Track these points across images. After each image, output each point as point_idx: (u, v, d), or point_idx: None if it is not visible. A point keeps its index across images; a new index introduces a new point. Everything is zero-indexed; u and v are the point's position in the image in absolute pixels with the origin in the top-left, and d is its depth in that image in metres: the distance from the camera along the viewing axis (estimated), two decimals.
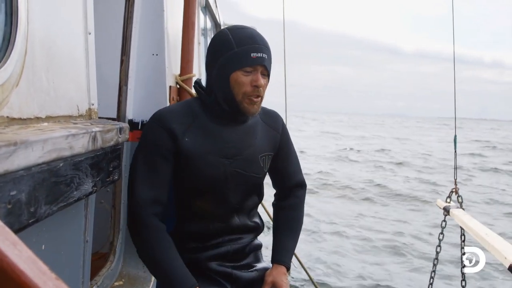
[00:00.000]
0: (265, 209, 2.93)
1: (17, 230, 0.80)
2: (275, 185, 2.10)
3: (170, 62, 2.57)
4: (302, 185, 2.10)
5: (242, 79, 1.73)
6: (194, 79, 2.73)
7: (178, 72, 2.77)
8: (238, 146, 1.83)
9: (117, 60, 2.46)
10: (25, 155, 0.77)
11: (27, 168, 0.81)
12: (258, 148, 1.89)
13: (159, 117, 1.77)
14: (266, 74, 1.78)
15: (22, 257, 0.62)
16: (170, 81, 2.59)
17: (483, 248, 2.68)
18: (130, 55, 2.39)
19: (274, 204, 2.12)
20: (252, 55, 1.72)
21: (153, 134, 1.75)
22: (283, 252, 1.99)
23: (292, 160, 2.06)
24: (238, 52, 1.72)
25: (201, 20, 4.07)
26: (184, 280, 1.69)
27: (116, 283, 2.47)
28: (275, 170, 2.03)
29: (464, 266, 3.24)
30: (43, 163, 0.86)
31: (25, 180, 0.80)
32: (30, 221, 0.84)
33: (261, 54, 1.73)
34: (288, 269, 1.97)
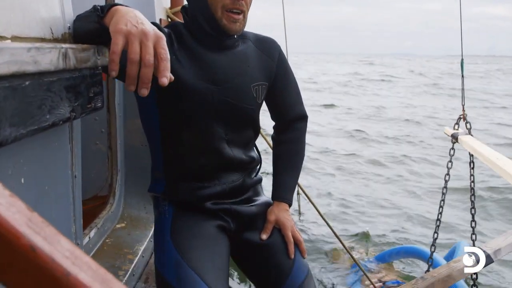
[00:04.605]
0: (266, 141, 2.84)
1: None
2: (273, 117, 1.98)
3: None
4: (302, 117, 1.97)
5: None
6: None
7: (169, 5, 2.64)
8: (227, 72, 1.69)
9: None
10: None
11: None
12: (250, 77, 1.75)
13: None
14: None
15: None
16: (160, 14, 2.45)
17: (494, 167, 2.59)
18: None
19: (273, 138, 2.01)
20: None
21: None
22: (285, 188, 1.90)
23: (291, 91, 1.92)
24: None
25: None
26: None
27: (118, 225, 2.41)
28: (273, 102, 1.91)
29: (473, 195, 3.17)
30: (1, 77, 0.75)
31: None
32: None
33: None
34: (290, 205, 1.90)
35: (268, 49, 1.83)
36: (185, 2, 2.54)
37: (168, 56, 1.11)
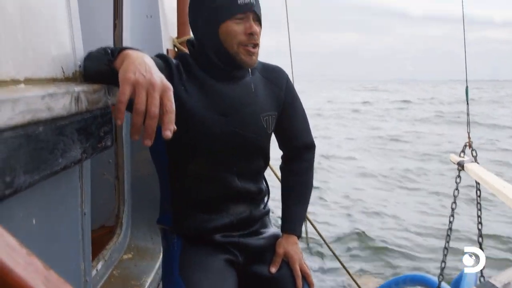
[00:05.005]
0: (274, 172, 2.84)
1: None
2: (281, 146, 1.98)
3: (166, 24, 2.45)
4: (310, 147, 1.97)
5: (234, 28, 1.60)
6: None
7: (175, 34, 2.66)
8: (235, 103, 1.70)
9: (110, 24, 2.35)
10: None
11: None
12: (259, 107, 1.75)
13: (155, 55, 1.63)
14: (258, 21, 1.66)
15: None
16: (167, 44, 2.48)
17: (500, 196, 2.57)
18: (123, 18, 2.28)
19: (281, 168, 2.01)
20: (239, 2, 1.60)
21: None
22: (294, 221, 1.90)
23: (299, 119, 1.92)
24: (223, 1, 1.61)
25: None
26: None
27: (125, 256, 2.41)
28: (280, 130, 1.90)
29: (480, 223, 3.15)
30: (16, 127, 0.76)
31: None
32: (7, 192, 0.75)
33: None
34: (299, 237, 1.89)
35: (276, 79, 1.84)
36: (191, 35, 2.59)
37: (174, 109, 1.11)
